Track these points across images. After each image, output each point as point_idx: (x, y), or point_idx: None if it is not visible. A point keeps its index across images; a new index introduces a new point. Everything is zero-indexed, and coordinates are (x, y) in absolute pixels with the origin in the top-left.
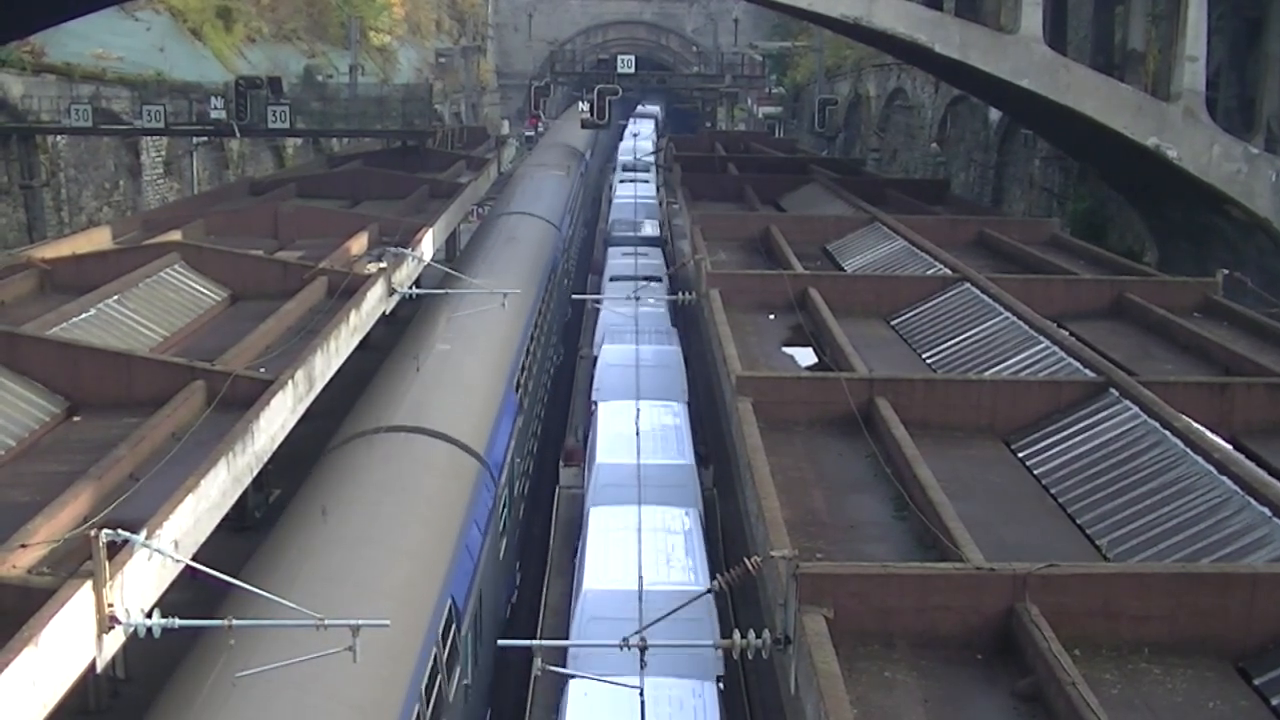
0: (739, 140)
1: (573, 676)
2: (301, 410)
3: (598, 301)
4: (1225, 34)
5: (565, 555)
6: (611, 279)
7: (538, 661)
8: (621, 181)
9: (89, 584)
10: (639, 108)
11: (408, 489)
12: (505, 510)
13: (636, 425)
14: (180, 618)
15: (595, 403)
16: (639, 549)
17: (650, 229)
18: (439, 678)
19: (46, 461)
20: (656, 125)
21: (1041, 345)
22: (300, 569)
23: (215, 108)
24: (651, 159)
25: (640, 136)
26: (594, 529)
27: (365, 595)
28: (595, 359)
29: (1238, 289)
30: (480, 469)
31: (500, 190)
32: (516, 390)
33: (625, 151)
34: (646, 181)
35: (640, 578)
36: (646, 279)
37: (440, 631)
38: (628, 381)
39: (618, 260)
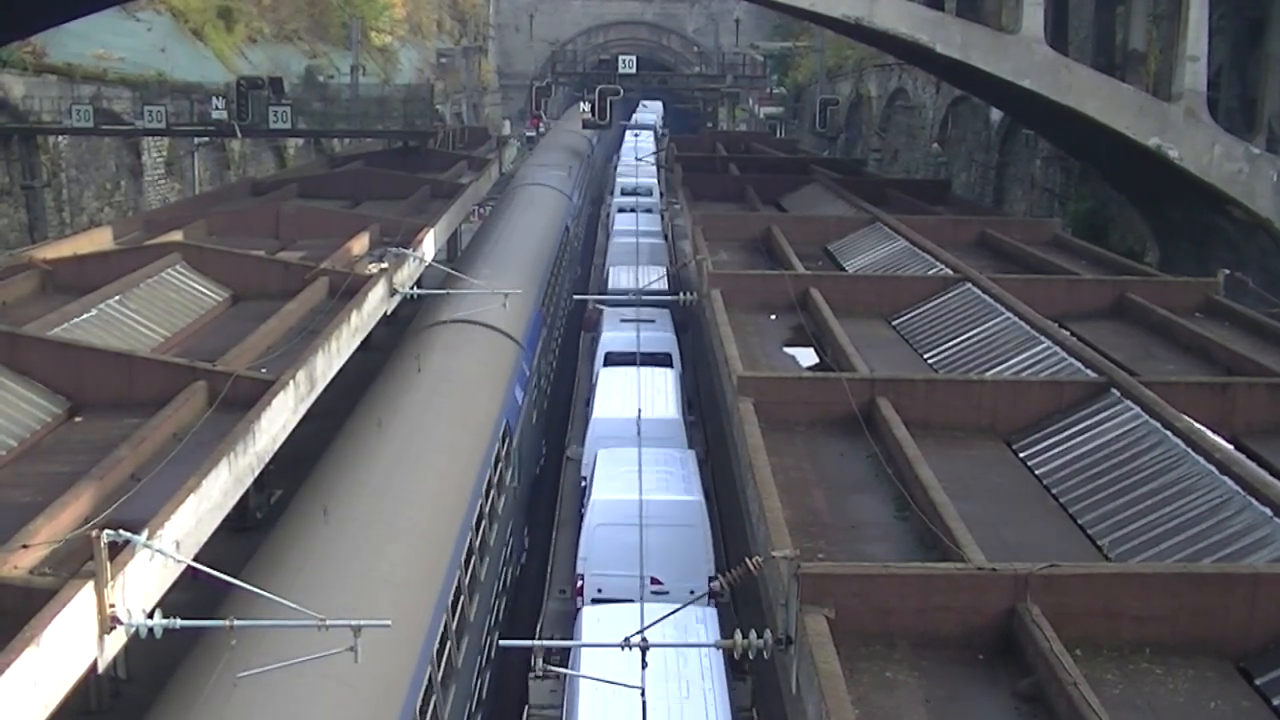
0: (740, 140)
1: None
2: (303, 411)
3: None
4: (1226, 34)
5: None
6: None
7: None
8: (620, 211)
9: (90, 584)
10: (639, 108)
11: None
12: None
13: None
14: (182, 618)
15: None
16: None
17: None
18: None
19: (48, 462)
20: (657, 136)
21: (1043, 345)
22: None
23: (216, 108)
24: (654, 185)
25: (640, 138)
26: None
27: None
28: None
29: (1239, 289)
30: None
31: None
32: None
33: (625, 172)
34: (650, 210)
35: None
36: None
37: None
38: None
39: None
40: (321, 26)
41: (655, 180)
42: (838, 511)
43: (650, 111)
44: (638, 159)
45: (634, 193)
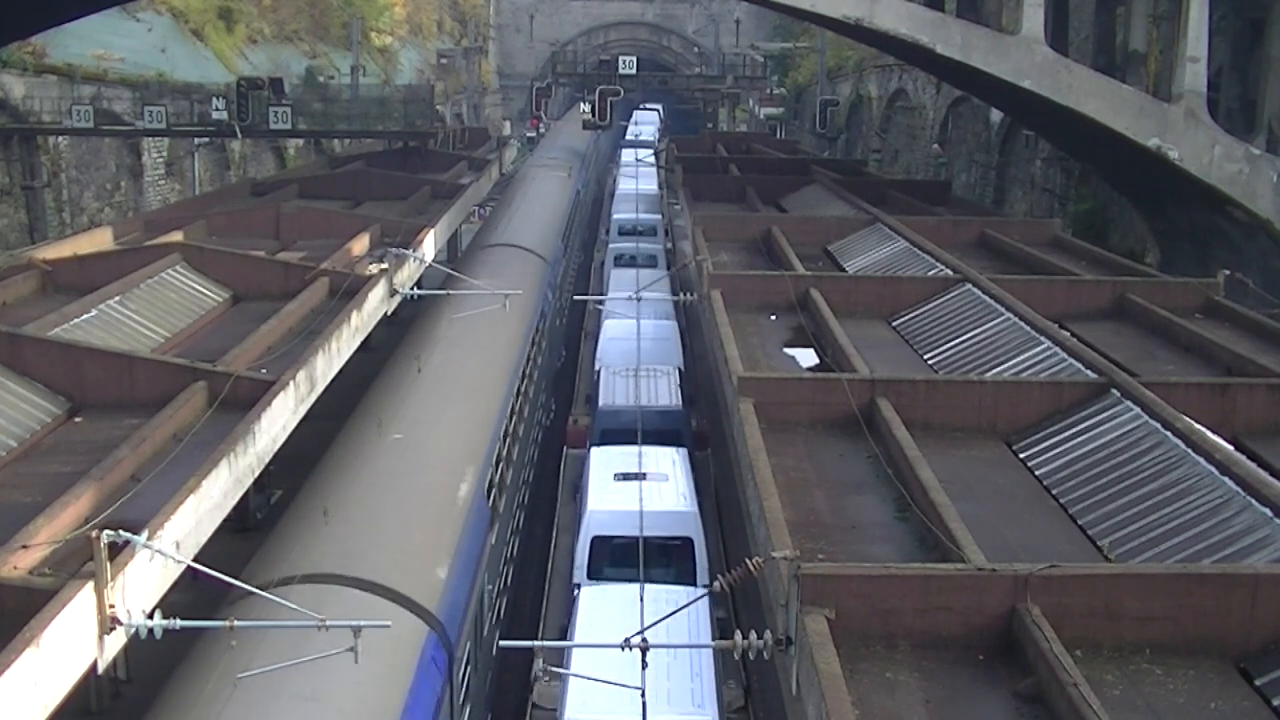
0: (740, 141)
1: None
2: (303, 411)
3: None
4: (1226, 35)
5: None
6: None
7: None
8: (618, 263)
9: (90, 585)
10: (632, 122)
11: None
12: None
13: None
14: (182, 619)
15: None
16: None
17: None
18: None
19: (48, 462)
20: (656, 154)
21: (1043, 346)
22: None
23: (217, 109)
24: (658, 221)
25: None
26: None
27: None
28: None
29: (1239, 290)
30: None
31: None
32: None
33: (623, 202)
34: (653, 259)
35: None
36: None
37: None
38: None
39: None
40: (322, 27)
41: (658, 215)
42: (838, 512)
43: (647, 123)
44: (638, 189)
45: (633, 231)
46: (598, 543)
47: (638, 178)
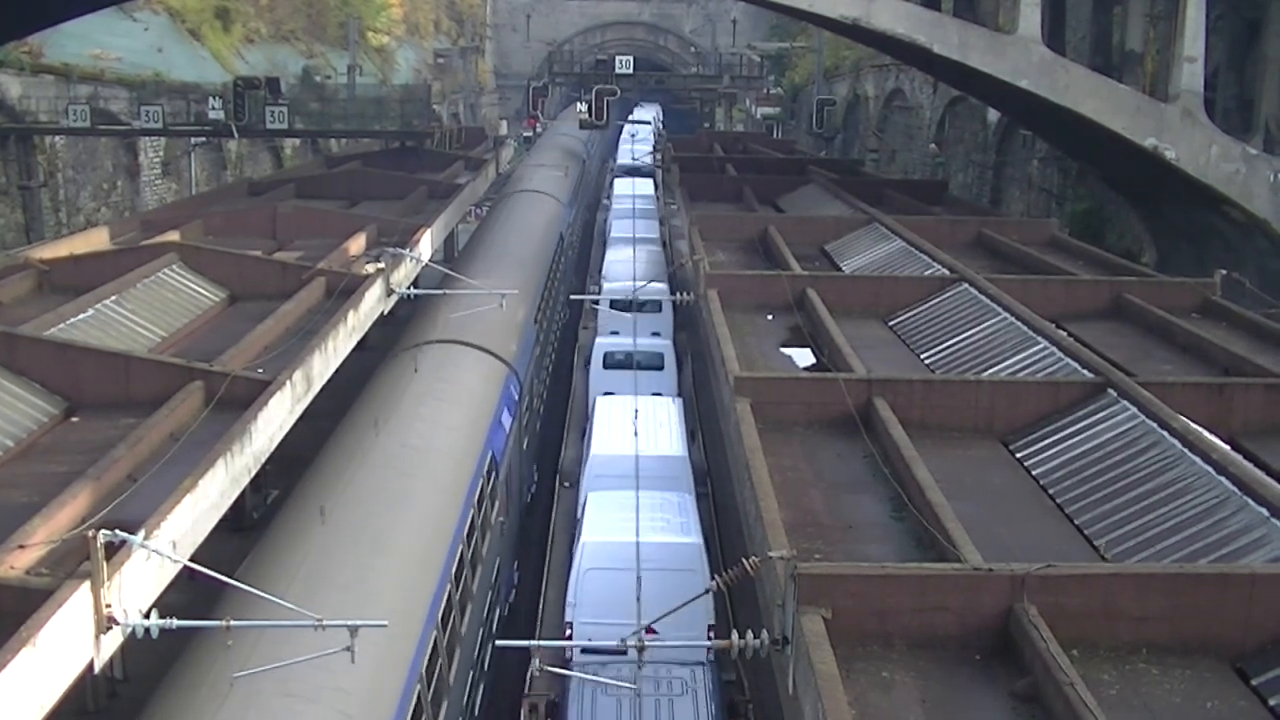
0: (737, 141)
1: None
2: (300, 411)
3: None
4: (1223, 34)
5: None
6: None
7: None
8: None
9: (87, 585)
10: (624, 139)
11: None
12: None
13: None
14: (178, 618)
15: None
16: None
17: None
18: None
19: (45, 462)
20: (653, 177)
21: (1040, 346)
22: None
23: (213, 108)
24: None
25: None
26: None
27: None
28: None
29: (1236, 290)
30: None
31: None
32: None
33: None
34: (660, 365)
35: None
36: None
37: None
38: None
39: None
40: (319, 26)
41: (663, 287)
42: (835, 512)
43: (641, 140)
44: (634, 236)
45: (625, 307)
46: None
47: (634, 220)
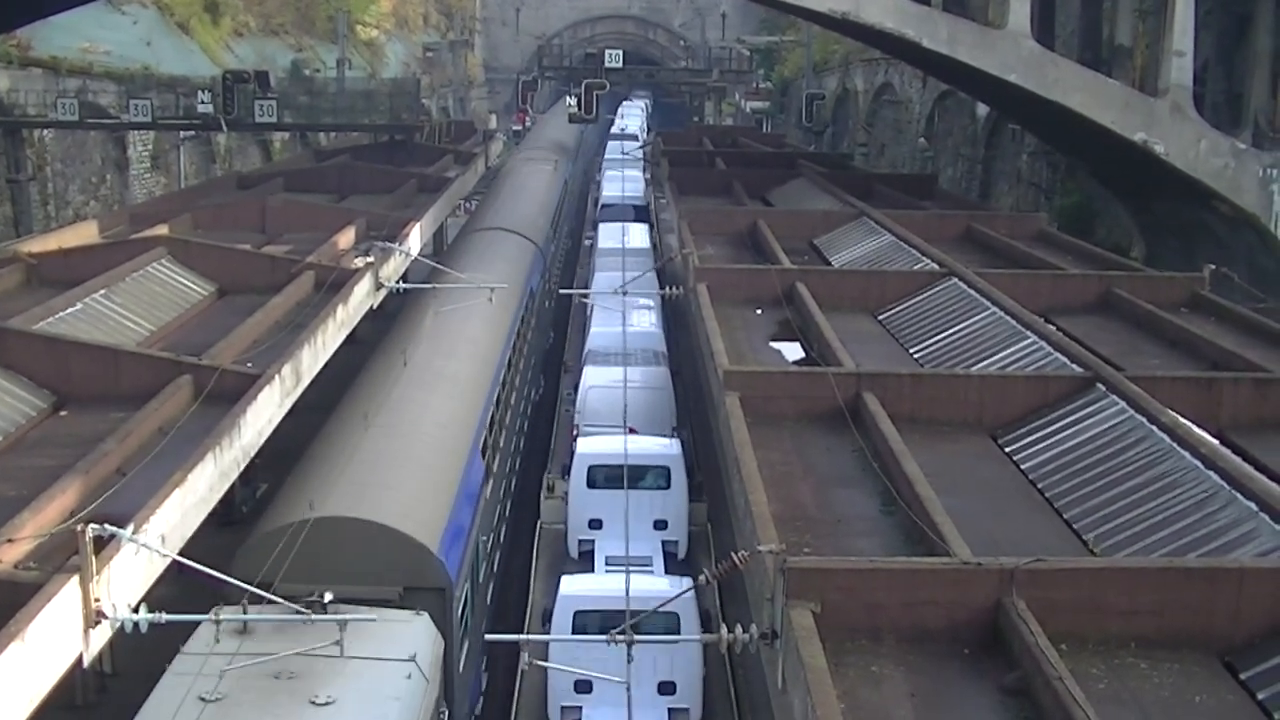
0: (727, 135)
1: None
2: (289, 405)
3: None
4: (1213, 29)
5: None
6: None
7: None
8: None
9: (76, 579)
10: (606, 165)
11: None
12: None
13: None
14: (167, 612)
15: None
16: None
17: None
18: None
19: (33, 456)
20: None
21: (1029, 340)
22: None
23: (203, 102)
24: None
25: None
26: None
27: None
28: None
29: (1225, 284)
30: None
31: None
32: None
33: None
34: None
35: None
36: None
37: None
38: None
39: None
40: (308, 20)
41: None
42: (824, 506)
43: (633, 117)
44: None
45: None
46: None
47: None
